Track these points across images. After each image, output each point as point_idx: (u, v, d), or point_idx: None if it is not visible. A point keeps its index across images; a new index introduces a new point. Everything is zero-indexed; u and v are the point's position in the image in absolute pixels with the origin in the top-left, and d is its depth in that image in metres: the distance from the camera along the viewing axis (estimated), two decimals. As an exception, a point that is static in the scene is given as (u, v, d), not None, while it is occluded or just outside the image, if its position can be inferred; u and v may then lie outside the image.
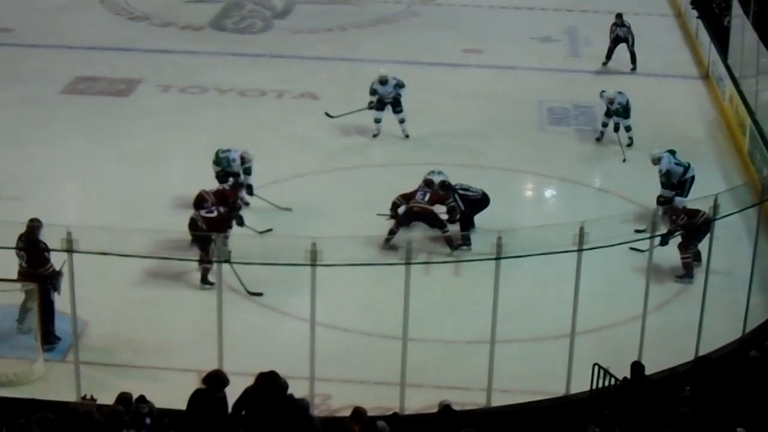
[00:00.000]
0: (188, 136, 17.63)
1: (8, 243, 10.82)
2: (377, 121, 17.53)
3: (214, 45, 22.48)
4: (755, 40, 17.61)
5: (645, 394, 9.43)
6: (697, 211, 12.83)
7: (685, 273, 13.26)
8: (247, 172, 14.90)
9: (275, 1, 25.74)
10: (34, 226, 11.43)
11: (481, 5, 25.47)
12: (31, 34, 22.56)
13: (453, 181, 14.37)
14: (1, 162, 16.39)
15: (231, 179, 14.68)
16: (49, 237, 11.28)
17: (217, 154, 14.99)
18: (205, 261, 12.14)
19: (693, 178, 14.70)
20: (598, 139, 17.75)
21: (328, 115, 17.88)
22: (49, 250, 11.15)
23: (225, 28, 23.79)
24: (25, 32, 22.69)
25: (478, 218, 14.37)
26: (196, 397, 9.20)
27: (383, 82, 17.33)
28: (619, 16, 21.34)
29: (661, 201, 14.47)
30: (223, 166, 14.88)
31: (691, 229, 12.83)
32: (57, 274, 11.34)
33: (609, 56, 21.41)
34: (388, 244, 13.76)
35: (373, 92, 17.45)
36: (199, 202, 13.85)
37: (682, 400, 9.12)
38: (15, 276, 11.61)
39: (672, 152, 14.93)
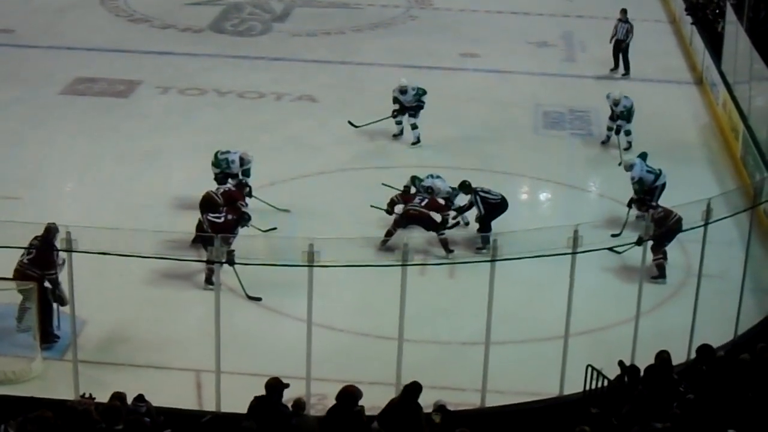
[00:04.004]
0: (187, 138, 17.72)
1: (9, 243, 10.88)
2: (398, 123, 17.73)
3: (213, 47, 22.57)
4: (748, 47, 17.73)
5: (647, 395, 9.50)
6: (670, 212, 13.02)
7: (659, 274, 13.44)
8: (246, 173, 15.00)
9: (274, 5, 25.86)
10: (51, 229, 11.47)
11: (478, 9, 25.58)
12: (32, 35, 22.66)
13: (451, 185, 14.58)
14: (0, 162, 16.48)
15: (231, 180, 14.78)
16: (50, 237, 11.47)
17: (216, 155, 15.10)
18: (211, 261, 12.12)
19: (663, 185, 14.86)
20: (603, 143, 17.85)
21: (351, 124, 17.83)
22: (58, 251, 11.16)
23: (224, 30, 23.89)
24: (26, 33, 22.78)
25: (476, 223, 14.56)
26: (332, 413, 9.14)
27: (403, 91, 17.51)
28: (623, 11, 21.36)
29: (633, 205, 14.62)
30: (222, 168, 14.98)
31: (665, 232, 13.02)
32: (57, 284, 11.50)
33: (616, 63, 21.46)
34: (384, 246, 13.87)
35: (395, 101, 17.60)
36: (207, 203, 13.90)
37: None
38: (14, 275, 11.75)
39: (644, 157, 15.09)
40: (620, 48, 21.37)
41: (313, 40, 23.26)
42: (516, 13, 25.63)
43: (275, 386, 9.18)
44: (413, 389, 9.29)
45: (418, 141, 17.66)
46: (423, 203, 14.16)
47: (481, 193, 14.34)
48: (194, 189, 15.13)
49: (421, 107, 17.57)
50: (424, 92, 17.58)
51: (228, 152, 15.03)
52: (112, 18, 24.35)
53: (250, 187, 14.82)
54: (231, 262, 12.02)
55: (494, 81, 21.07)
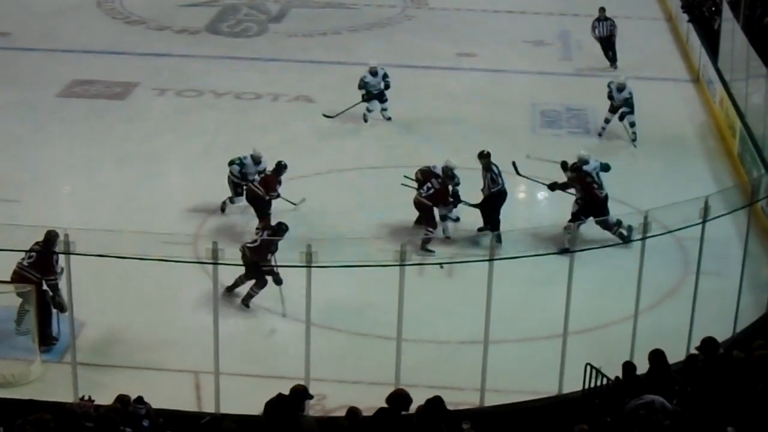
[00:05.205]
0: (184, 139, 17.74)
1: (7, 246, 10.89)
2: (369, 110, 18.26)
3: (209, 49, 22.57)
4: (745, 44, 17.73)
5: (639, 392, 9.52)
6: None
7: (623, 238, 13.65)
8: (264, 171, 14.88)
9: (270, 5, 25.87)
10: (52, 236, 11.40)
11: (474, 9, 25.59)
12: (28, 38, 22.66)
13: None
14: (-2, 165, 16.51)
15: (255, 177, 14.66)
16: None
17: (230, 165, 14.91)
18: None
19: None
20: (600, 135, 18.06)
21: (326, 116, 18.06)
22: (58, 253, 11.15)
23: (220, 32, 23.90)
24: (22, 36, 22.78)
25: (472, 221, 14.53)
26: (379, 416, 9.00)
27: (374, 73, 18.05)
28: (602, 10, 21.46)
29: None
30: (238, 175, 14.79)
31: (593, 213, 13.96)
32: (57, 290, 11.50)
33: (610, 58, 21.54)
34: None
35: (363, 85, 18.05)
36: (252, 198, 14.29)
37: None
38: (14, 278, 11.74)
39: (605, 168, 15.02)
40: (609, 44, 21.46)
41: (310, 41, 23.27)
42: (512, 13, 25.64)
43: (302, 393, 9.17)
44: (437, 403, 9.23)
45: (389, 118, 18.39)
46: (429, 192, 14.20)
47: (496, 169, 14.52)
48: (192, 190, 15.19)
49: (388, 87, 18.25)
50: (388, 75, 18.28)
51: (238, 158, 14.93)
52: (108, 20, 24.35)
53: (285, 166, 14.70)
54: (278, 281, 12.04)
55: (491, 80, 21.08)
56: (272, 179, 14.38)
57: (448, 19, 24.95)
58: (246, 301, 12.77)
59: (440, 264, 13.51)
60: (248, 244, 12.75)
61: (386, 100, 18.39)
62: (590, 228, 13.61)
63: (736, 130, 17.25)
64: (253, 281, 12.62)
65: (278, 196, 14.44)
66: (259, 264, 12.37)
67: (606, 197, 14.45)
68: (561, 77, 21.36)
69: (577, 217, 14.13)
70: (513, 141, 18.03)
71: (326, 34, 23.78)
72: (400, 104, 19.15)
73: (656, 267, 13.39)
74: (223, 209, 14.87)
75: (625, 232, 13.68)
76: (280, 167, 14.58)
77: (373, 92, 18.15)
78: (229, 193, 14.89)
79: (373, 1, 26.13)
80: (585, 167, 14.65)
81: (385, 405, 8.94)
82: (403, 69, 20.92)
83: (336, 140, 17.84)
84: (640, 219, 10.66)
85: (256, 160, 14.93)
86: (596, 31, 21.47)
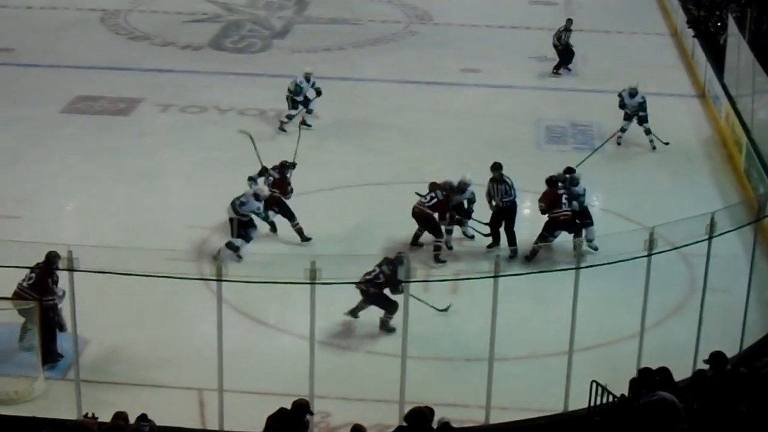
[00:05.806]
0: (188, 155, 17.71)
1: (9, 262, 10.85)
2: (290, 117, 18.61)
3: (213, 64, 22.60)
4: (751, 59, 17.71)
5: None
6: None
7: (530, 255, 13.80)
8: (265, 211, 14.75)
9: (274, 21, 25.92)
10: (52, 256, 11.36)
11: (478, 24, 25.62)
12: (31, 54, 22.71)
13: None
14: (1, 181, 16.47)
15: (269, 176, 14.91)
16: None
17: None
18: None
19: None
20: (618, 143, 18.28)
21: (244, 133, 18.09)
22: (59, 269, 11.10)
23: (224, 47, 23.94)
24: (25, 52, 22.84)
25: (479, 237, 14.51)
26: None
27: (308, 80, 18.59)
28: (569, 21, 22.08)
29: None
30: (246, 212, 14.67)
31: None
32: (57, 309, 11.47)
33: (567, 63, 22.16)
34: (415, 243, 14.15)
35: (299, 91, 18.54)
36: (276, 203, 14.52)
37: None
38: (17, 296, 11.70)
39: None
40: (569, 50, 21.97)
41: (314, 57, 23.24)
42: (516, 28, 25.66)
43: (304, 407, 9.19)
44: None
45: (308, 125, 18.56)
46: (431, 201, 14.14)
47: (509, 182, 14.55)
48: (195, 206, 15.14)
49: (320, 94, 18.68)
50: (319, 88, 18.79)
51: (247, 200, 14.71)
52: (112, 36, 24.41)
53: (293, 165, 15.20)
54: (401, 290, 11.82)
55: (496, 96, 21.06)
56: (283, 184, 14.68)
57: (452, 35, 24.98)
58: (384, 327, 12.52)
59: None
60: (367, 277, 12.27)
61: (312, 108, 18.79)
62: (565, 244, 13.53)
63: (743, 146, 17.20)
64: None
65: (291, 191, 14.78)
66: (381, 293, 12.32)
67: (569, 217, 14.28)
68: (566, 93, 21.34)
69: (544, 237, 14.09)
70: (518, 157, 17.98)
71: (330, 50, 23.79)
72: (405, 120, 19.12)
73: (662, 283, 13.36)
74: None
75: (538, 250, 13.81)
76: (284, 166, 14.93)
77: (297, 98, 18.58)
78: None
79: (378, 16, 26.17)
80: (574, 187, 14.54)
81: (404, 423, 8.93)
82: (407, 85, 20.91)
83: (340, 156, 17.80)
84: (646, 235, 10.59)
85: (259, 197, 14.42)
86: (561, 40, 21.95)
